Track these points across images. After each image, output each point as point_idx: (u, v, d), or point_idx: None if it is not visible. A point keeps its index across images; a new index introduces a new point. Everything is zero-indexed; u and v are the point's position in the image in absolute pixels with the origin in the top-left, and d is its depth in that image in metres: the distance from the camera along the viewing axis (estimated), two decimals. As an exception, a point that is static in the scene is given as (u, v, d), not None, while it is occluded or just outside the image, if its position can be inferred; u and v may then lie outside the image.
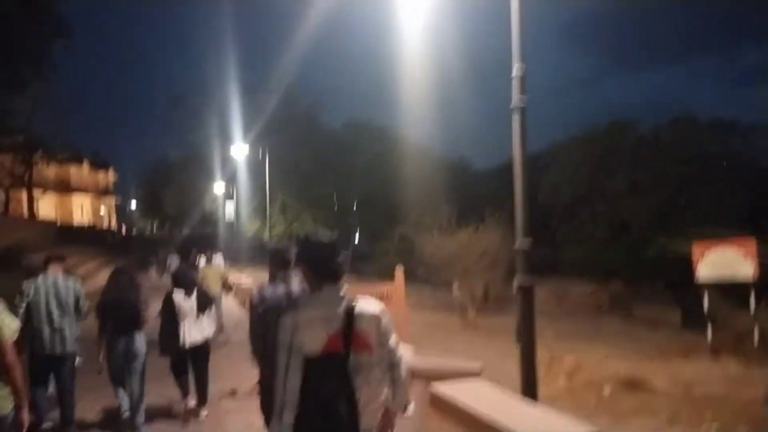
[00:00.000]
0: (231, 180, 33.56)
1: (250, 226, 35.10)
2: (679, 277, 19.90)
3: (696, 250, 11.25)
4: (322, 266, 2.50)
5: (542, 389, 5.92)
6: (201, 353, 5.68)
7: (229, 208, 33.44)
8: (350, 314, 2.40)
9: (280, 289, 3.67)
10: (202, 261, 13.00)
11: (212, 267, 11.20)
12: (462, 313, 14.29)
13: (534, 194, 22.58)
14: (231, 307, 13.29)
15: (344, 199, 35.32)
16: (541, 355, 9.95)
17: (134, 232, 64.46)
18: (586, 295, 20.73)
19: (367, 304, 2.50)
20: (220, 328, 6.66)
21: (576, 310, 18.11)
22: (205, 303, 5.74)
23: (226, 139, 31.71)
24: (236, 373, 6.73)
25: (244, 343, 4.04)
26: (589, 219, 26.38)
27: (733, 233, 12.79)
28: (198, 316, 5.62)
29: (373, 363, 2.45)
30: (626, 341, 12.10)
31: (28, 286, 4.90)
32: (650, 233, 23.10)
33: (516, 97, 5.38)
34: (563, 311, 17.44)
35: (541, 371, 8.93)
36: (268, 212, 24.96)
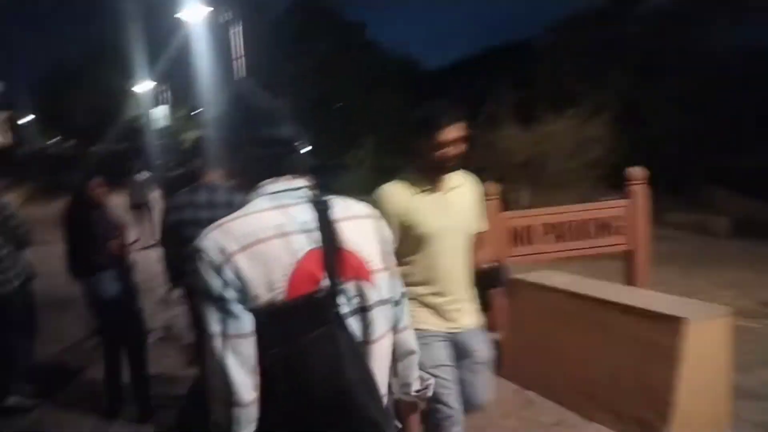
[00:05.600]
0: (162, 78, 27.10)
1: (186, 135, 29.35)
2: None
3: None
4: (268, 144, 1.33)
5: None
6: None
7: (159, 112, 27.17)
8: (327, 219, 1.28)
9: (201, 197, 3.01)
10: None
11: None
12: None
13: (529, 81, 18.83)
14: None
15: (297, 102, 30.26)
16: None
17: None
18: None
19: (349, 202, 1.40)
20: None
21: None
22: None
23: (153, 26, 25.24)
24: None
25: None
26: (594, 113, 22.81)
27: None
28: None
29: (374, 299, 1.32)
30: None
31: None
32: (668, 130, 20.15)
33: None
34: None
35: None
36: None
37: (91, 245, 3.70)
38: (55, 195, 20.26)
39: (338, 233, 1.29)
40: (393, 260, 1.45)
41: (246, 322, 1.19)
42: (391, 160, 26.07)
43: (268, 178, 1.33)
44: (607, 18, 22.97)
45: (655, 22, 22.23)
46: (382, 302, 1.35)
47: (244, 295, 1.19)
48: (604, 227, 4.89)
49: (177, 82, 27.31)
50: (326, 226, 1.28)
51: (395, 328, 1.46)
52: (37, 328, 4.44)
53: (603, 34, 22.56)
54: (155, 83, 27.50)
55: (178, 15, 16.78)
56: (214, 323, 1.19)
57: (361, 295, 1.31)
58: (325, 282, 1.24)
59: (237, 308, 1.19)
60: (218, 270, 1.19)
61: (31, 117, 61.42)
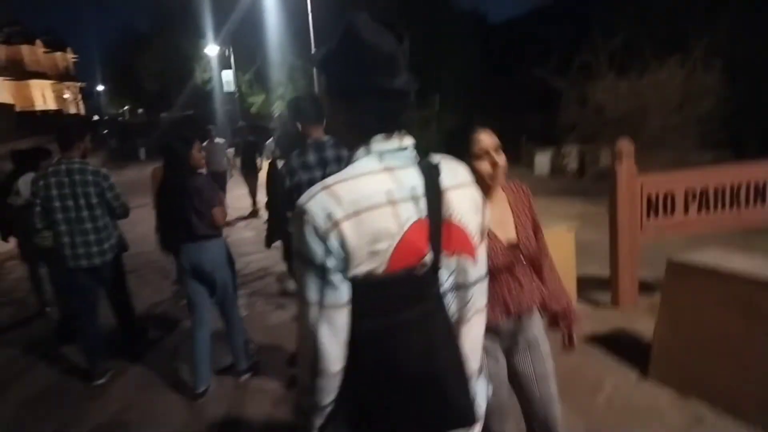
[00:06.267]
0: (227, 39, 26.78)
1: (252, 99, 29.23)
2: None
3: None
4: (385, 96, 1.15)
5: None
6: None
7: (226, 76, 26.99)
8: (436, 186, 1.17)
9: (311, 157, 3.07)
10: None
11: None
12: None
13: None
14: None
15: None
16: None
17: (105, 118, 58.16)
18: None
19: (454, 166, 1.26)
20: None
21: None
22: None
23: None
24: None
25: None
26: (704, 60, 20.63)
27: None
28: None
29: (473, 276, 1.23)
30: None
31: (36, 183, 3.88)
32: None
33: None
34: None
35: None
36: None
37: (194, 213, 3.48)
38: (127, 162, 20.85)
39: (446, 203, 1.18)
40: (485, 233, 1.30)
41: (344, 292, 1.11)
42: (459, 121, 25.09)
43: (379, 134, 1.17)
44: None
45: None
46: (480, 279, 1.26)
47: (346, 265, 1.10)
48: (760, 194, 4.01)
49: (242, 45, 26.91)
50: (434, 195, 1.16)
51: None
52: (130, 298, 4.51)
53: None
54: (219, 47, 27.18)
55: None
56: (311, 291, 1.12)
57: (462, 271, 1.21)
58: (429, 256, 1.14)
59: (337, 278, 1.10)
60: (323, 237, 1.09)
61: (101, 87, 63.64)
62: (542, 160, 14.98)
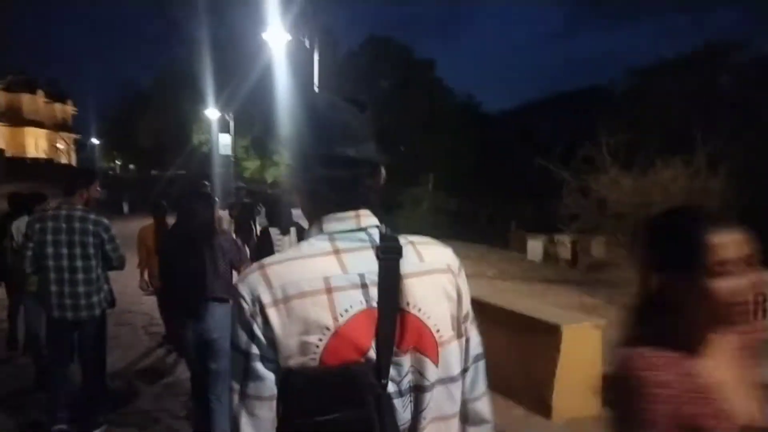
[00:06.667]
0: (227, 104, 27.21)
1: (246, 164, 29.42)
2: None
3: None
4: (342, 165, 1.05)
5: None
6: None
7: (223, 139, 27.21)
8: (393, 271, 1.02)
9: None
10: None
11: None
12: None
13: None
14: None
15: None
16: None
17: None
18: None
19: (426, 249, 1.09)
20: None
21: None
22: None
23: (223, 54, 25.48)
24: None
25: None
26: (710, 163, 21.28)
27: None
28: None
29: (434, 377, 1.04)
30: None
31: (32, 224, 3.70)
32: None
33: None
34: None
35: None
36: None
37: (213, 273, 3.37)
38: (110, 216, 20.65)
39: (402, 292, 1.02)
40: (471, 325, 1.14)
41: (268, 384, 1.00)
42: (449, 201, 25.29)
43: (335, 209, 1.06)
44: (698, 65, 21.88)
45: (753, 71, 20.87)
46: (444, 381, 1.06)
47: (272, 354, 0.99)
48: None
49: (243, 112, 27.37)
50: (389, 282, 1.01)
51: (467, 399, 1.14)
52: (105, 360, 4.17)
53: (696, 81, 21.26)
54: (220, 111, 27.60)
55: (263, 35, 16.29)
56: (234, 377, 1.02)
57: (418, 370, 1.03)
58: (373, 352, 0.98)
59: (260, 367, 0.99)
60: (247, 321, 1.00)
61: (95, 141, 64.11)
62: (535, 246, 15.02)
